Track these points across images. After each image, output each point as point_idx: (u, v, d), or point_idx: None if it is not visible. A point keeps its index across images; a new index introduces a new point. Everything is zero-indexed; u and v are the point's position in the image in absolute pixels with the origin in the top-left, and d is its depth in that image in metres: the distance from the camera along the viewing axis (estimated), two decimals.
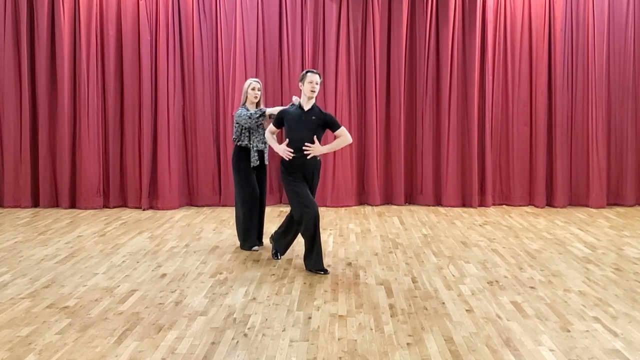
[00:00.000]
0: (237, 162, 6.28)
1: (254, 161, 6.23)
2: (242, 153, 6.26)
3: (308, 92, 5.59)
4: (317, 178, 5.76)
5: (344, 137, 5.67)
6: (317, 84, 5.59)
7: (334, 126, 5.66)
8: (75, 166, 8.73)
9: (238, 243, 6.55)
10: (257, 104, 6.36)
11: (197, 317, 4.45)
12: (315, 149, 5.55)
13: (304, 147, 5.54)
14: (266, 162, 6.42)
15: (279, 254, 6.03)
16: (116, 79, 8.71)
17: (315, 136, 5.59)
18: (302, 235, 5.66)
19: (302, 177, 5.64)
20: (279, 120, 5.78)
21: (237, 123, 6.24)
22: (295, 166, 5.61)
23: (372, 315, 4.50)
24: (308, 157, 5.57)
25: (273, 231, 6.27)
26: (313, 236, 5.58)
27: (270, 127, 5.87)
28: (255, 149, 6.23)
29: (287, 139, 5.66)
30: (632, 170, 8.97)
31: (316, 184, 5.76)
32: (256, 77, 8.69)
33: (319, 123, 5.63)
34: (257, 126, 6.23)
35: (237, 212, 6.40)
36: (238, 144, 6.27)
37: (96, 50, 8.61)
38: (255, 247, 6.37)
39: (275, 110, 6.17)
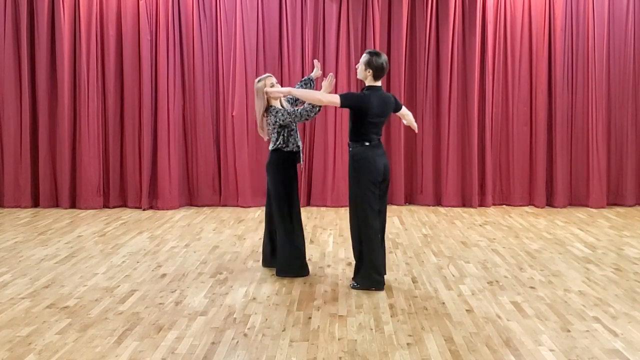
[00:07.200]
0: (285, 171, 5.34)
1: (300, 159, 5.43)
2: (288, 159, 5.35)
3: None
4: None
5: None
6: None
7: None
8: (75, 166, 8.72)
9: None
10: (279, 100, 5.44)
11: (197, 317, 4.45)
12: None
13: None
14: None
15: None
16: (116, 79, 8.70)
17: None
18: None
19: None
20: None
21: (281, 119, 5.21)
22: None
23: (372, 315, 4.50)
24: None
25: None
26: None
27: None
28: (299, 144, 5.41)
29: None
30: (632, 170, 8.95)
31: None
32: (256, 77, 8.69)
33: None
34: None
35: (288, 233, 5.35)
36: (280, 147, 5.31)
37: (96, 50, 8.61)
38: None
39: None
